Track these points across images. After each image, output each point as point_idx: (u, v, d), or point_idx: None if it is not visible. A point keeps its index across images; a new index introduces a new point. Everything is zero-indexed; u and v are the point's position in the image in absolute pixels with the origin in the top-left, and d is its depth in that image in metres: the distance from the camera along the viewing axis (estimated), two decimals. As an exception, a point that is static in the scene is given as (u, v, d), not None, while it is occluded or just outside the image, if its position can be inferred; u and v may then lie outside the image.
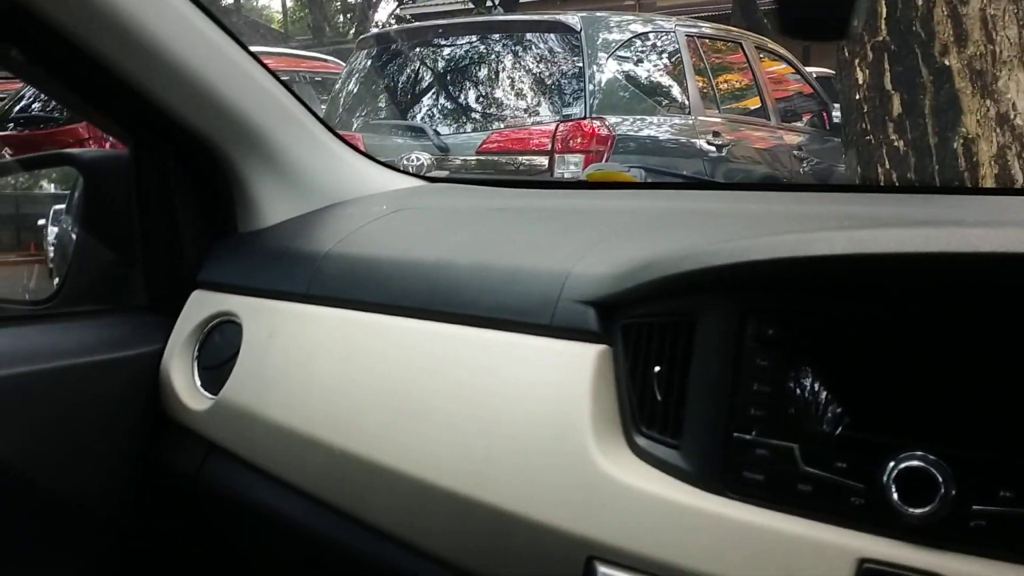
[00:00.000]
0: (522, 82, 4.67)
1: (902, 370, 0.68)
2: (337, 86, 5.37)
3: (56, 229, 1.80)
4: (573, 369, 0.84)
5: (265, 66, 1.25)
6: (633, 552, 0.75)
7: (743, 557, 0.70)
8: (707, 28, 5.62)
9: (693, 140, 4.77)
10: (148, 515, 1.23)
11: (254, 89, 1.23)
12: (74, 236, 1.50)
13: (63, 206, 1.70)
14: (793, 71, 6.21)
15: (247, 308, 1.18)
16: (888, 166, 3.28)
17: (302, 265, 1.16)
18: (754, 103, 5.54)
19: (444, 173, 4.33)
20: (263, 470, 1.09)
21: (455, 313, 0.96)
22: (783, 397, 0.72)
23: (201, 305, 1.24)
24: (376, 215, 1.24)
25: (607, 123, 4.34)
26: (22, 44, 1.13)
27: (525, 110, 4.61)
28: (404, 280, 1.04)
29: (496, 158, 4.39)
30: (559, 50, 4.62)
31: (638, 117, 4.59)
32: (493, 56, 4.82)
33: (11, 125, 6.38)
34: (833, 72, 6.87)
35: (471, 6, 12.87)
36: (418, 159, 4.43)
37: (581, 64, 4.48)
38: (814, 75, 6.55)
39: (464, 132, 4.66)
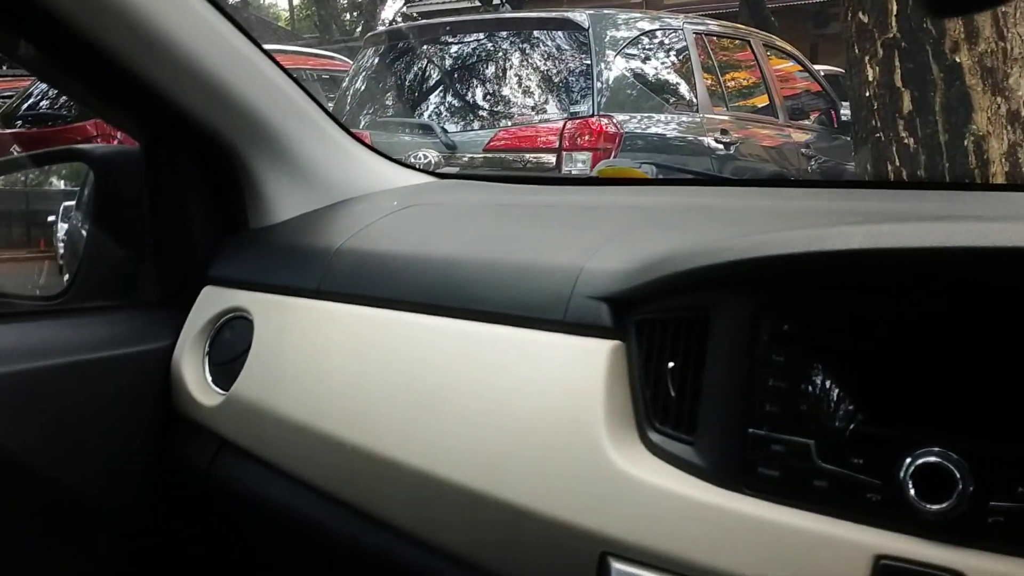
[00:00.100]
0: (529, 79, 4.67)
1: (918, 366, 0.68)
2: (344, 83, 5.37)
3: (66, 225, 1.80)
4: (586, 365, 0.84)
5: (277, 62, 1.25)
6: (647, 548, 0.75)
7: (758, 553, 0.70)
8: (715, 25, 5.60)
9: (701, 138, 4.76)
10: (159, 511, 1.23)
11: (265, 85, 1.23)
12: (85, 232, 1.51)
13: (72, 202, 1.71)
14: (801, 69, 6.20)
15: (258, 304, 1.18)
16: (898, 164, 3.27)
17: (313, 261, 1.16)
18: (762, 101, 5.53)
19: (454, 170, 4.33)
20: (274, 466, 1.09)
21: (467, 309, 0.96)
22: (799, 393, 0.72)
23: (212, 301, 1.24)
24: (387, 211, 1.24)
25: (615, 120, 4.34)
26: (35, 39, 1.13)
27: (532, 107, 4.60)
28: (416, 276, 1.04)
29: (503, 156, 4.38)
30: (567, 47, 4.62)
31: (646, 115, 4.58)
32: (500, 53, 4.82)
33: (19, 123, 6.40)
34: (841, 70, 6.87)
35: (478, 3, 12.87)
36: (425, 157, 4.43)
37: (589, 61, 4.48)
38: (822, 73, 6.53)
39: (471, 130, 4.65)
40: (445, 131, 4.56)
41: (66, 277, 1.61)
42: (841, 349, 0.71)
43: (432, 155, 4.44)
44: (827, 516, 0.68)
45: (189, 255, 1.29)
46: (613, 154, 4.22)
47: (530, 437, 0.84)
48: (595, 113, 4.33)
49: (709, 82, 5.05)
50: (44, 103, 6.34)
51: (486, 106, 4.75)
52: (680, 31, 5.08)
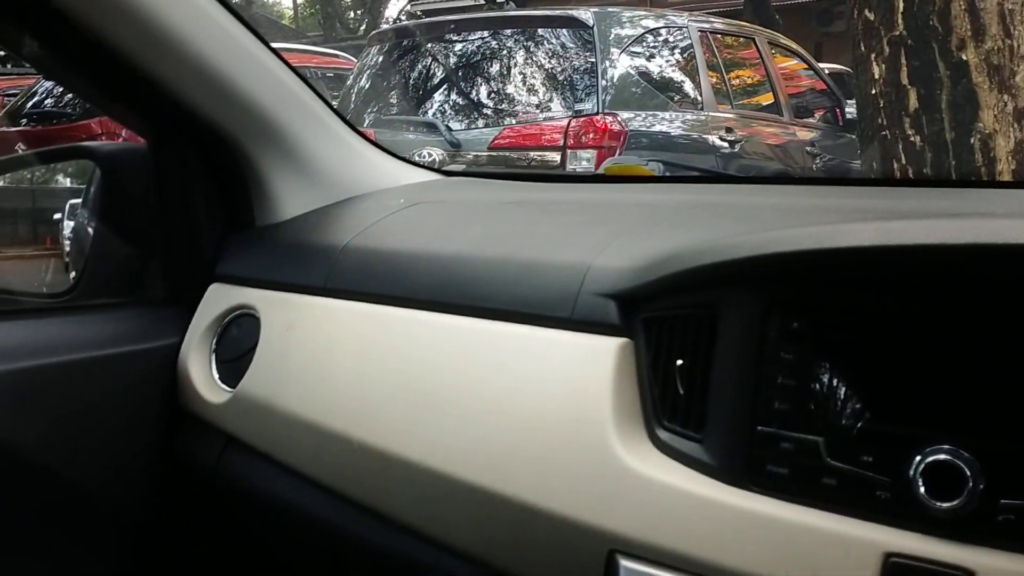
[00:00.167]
0: (534, 78, 4.66)
1: (928, 363, 0.68)
2: (349, 82, 5.37)
3: (72, 223, 1.81)
4: (594, 362, 0.84)
5: (283, 59, 1.25)
6: (655, 545, 0.75)
7: (767, 551, 0.70)
8: (720, 23, 5.60)
9: (706, 136, 4.76)
10: (166, 508, 1.23)
11: (272, 82, 1.23)
12: (91, 229, 1.51)
13: (79, 200, 1.71)
14: (806, 67, 6.19)
15: (265, 301, 1.18)
16: (904, 161, 3.26)
17: (320, 258, 1.16)
18: (767, 99, 5.52)
19: (459, 168, 4.33)
20: (281, 463, 1.09)
21: (474, 306, 0.96)
22: (808, 390, 0.72)
23: (219, 298, 1.24)
24: (393, 208, 1.24)
25: (619, 119, 4.33)
26: (42, 37, 1.13)
27: (537, 106, 4.60)
28: (422, 273, 1.04)
29: (508, 154, 4.38)
30: (571, 45, 4.62)
31: (651, 113, 4.58)
32: (505, 52, 4.81)
33: (24, 121, 6.42)
34: (845, 68, 6.85)
35: (483, 2, 12.86)
36: (430, 155, 4.43)
37: (594, 59, 4.47)
38: (826, 71, 6.52)
39: (476, 128, 4.65)
40: (449, 129, 4.56)
41: (72, 275, 1.61)
42: (850, 346, 0.71)
43: (436, 153, 4.44)
44: (836, 514, 0.68)
45: (196, 252, 1.30)
46: (618, 152, 4.22)
47: (538, 434, 0.84)
48: (600, 111, 4.33)
49: (714, 80, 5.04)
50: (49, 101, 6.36)
51: (490, 104, 4.75)
52: (685, 29, 5.08)
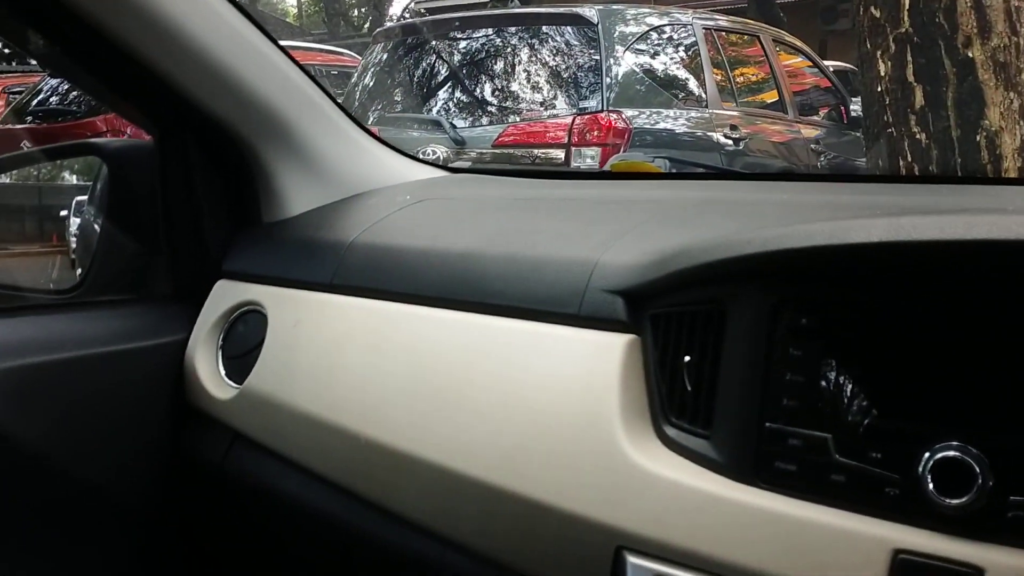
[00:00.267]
0: (538, 75, 4.66)
1: (937, 360, 0.68)
2: (353, 79, 5.37)
3: (78, 219, 1.81)
4: (601, 359, 0.83)
5: (290, 56, 1.25)
6: (663, 542, 0.75)
7: (775, 548, 0.70)
8: (724, 21, 5.59)
9: (710, 133, 4.75)
10: (173, 504, 1.23)
11: (279, 79, 1.23)
12: (98, 226, 1.51)
13: (85, 197, 1.71)
14: (810, 64, 6.17)
15: (272, 298, 1.18)
16: (910, 159, 3.25)
17: (327, 255, 1.16)
18: (771, 96, 5.51)
19: (464, 165, 4.33)
20: (288, 459, 1.09)
21: (481, 303, 0.96)
22: (816, 387, 0.71)
23: (225, 295, 1.24)
24: (400, 205, 1.24)
25: (624, 116, 4.33)
26: (49, 33, 1.14)
27: (541, 103, 4.59)
28: (430, 270, 1.04)
29: (512, 151, 4.37)
30: (576, 43, 4.61)
31: (655, 110, 4.57)
32: (509, 49, 4.81)
33: (29, 118, 6.43)
34: (850, 66, 6.84)
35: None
36: (434, 152, 4.43)
37: (598, 57, 4.47)
38: (831, 69, 6.50)
39: (480, 125, 4.65)
40: (454, 127, 4.55)
41: (79, 271, 1.61)
42: (860, 343, 0.71)
43: (441, 151, 4.43)
44: (845, 510, 0.68)
45: (202, 249, 1.30)
46: (622, 150, 4.21)
47: (545, 431, 0.84)
48: (604, 109, 4.32)
49: (718, 78, 5.03)
50: (54, 99, 6.36)
51: (495, 102, 4.75)
52: (689, 26, 5.07)
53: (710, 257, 0.78)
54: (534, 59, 4.70)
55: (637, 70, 4.62)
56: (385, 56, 5.23)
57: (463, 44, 5.01)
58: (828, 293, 0.73)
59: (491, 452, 0.87)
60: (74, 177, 2.00)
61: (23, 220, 2.17)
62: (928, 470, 0.65)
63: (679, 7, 5.49)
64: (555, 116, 4.44)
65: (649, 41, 4.81)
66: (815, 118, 5.87)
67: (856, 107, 5.13)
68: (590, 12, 4.61)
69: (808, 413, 0.71)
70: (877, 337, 0.70)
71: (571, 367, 0.85)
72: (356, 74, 5.39)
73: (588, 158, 4.20)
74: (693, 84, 4.94)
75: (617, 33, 4.63)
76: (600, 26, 4.54)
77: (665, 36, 4.96)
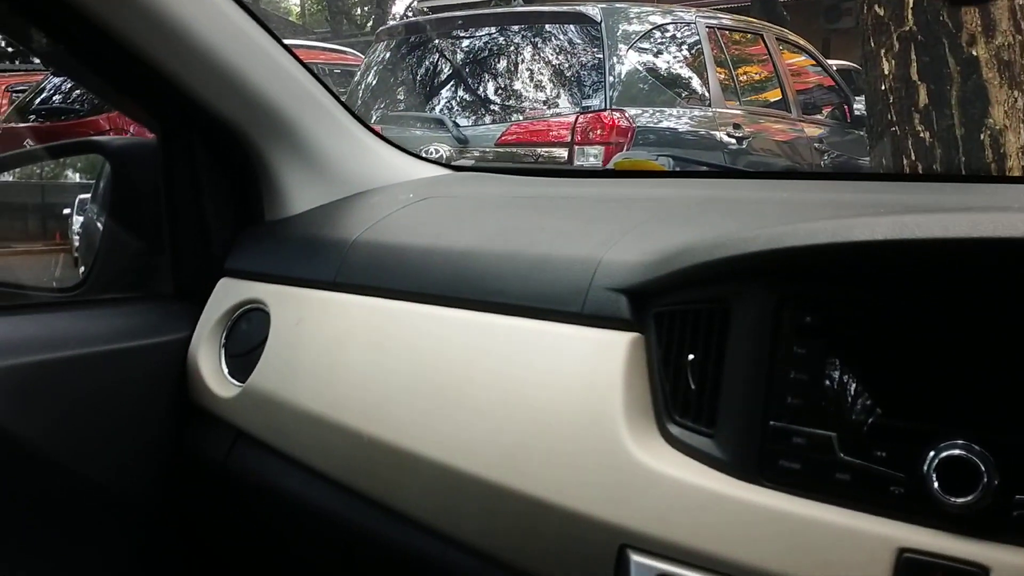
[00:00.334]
0: (541, 74, 4.65)
1: (942, 358, 0.67)
2: (356, 78, 5.37)
3: (81, 217, 1.81)
4: (605, 357, 0.83)
5: (294, 54, 1.25)
6: (666, 540, 0.74)
7: (779, 546, 0.69)
8: (727, 19, 5.58)
9: (713, 132, 4.74)
10: (176, 502, 1.23)
11: (282, 77, 1.23)
12: (100, 224, 1.51)
13: (88, 195, 1.71)
14: (814, 63, 6.16)
15: (275, 296, 1.18)
16: (914, 158, 3.25)
17: (330, 253, 1.16)
18: (775, 95, 5.50)
19: (468, 163, 4.32)
20: (291, 457, 1.09)
21: (484, 301, 0.96)
22: (821, 385, 0.71)
23: (228, 293, 1.24)
24: (403, 203, 1.24)
25: (627, 115, 4.32)
26: (53, 31, 1.14)
27: (544, 102, 4.59)
28: (433, 268, 1.04)
29: (515, 150, 4.37)
30: (579, 41, 4.60)
31: (658, 109, 4.57)
32: (512, 48, 4.80)
33: (32, 117, 6.44)
34: (853, 65, 6.83)
35: (489, -2, 12.85)
36: (437, 151, 4.42)
37: (601, 55, 4.46)
38: (834, 68, 6.49)
39: (483, 124, 4.64)
40: (457, 125, 4.55)
41: (82, 269, 1.61)
42: (864, 341, 0.71)
43: (444, 149, 4.43)
44: (849, 509, 0.68)
45: (205, 247, 1.30)
46: (625, 148, 4.21)
47: (548, 429, 0.84)
48: (607, 107, 4.32)
49: (722, 76, 5.02)
50: (57, 97, 6.37)
51: (498, 100, 4.74)
52: (692, 25, 5.06)
53: (714, 255, 0.78)
54: (537, 57, 4.69)
55: (640, 68, 4.61)
56: (388, 54, 5.23)
57: (466, 42, 5.01)
58: (832, 291, 0.73)
59: (494, 450, 0.87)
60: (77, 175, 2.00)
61: (26, 218, 2.18)
62: (933, 469, 0.65)
63: (682, 5, 5.49)
64: (558, 115, 4.44)
65: (652, 39, 4.80)
66: (818, 117, 5.86)
67: (860, 106, 5.12)
68: (593, 10, 4.61)
69: (812, 411, 0.71)
70: (881, 335, 0.70)
71: (574, 365, 0.85)
72: (359, 72, 5.39)
73: (591, 157, 4.20)
74: (696, 83, 4.93)
75: (620, 31, 4.62)
76: (603, 24, 4.53)
77: (668, 34, 4.96)
